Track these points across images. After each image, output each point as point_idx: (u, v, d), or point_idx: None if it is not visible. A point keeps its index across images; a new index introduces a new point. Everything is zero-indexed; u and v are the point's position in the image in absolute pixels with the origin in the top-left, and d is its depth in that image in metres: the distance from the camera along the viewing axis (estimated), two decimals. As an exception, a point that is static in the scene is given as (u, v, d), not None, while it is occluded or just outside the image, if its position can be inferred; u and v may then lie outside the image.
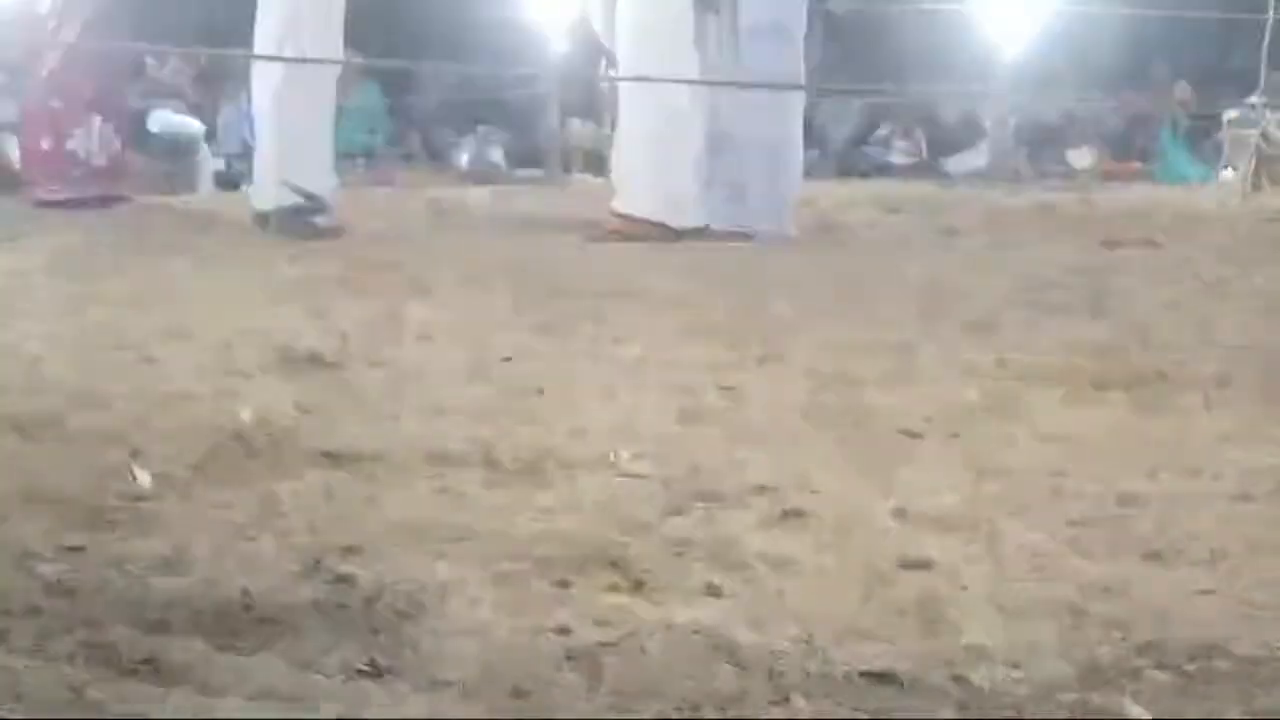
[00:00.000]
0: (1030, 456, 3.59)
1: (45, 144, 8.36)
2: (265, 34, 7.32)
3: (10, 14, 8.81)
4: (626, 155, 7.78)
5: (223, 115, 11.16)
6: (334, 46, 7.38)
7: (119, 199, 8.28)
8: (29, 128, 8.60)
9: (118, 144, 8.62)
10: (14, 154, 8.98)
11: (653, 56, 7.31)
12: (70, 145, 8.30)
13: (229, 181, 10.13)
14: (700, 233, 7.33)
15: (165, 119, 10.21)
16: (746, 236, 7.33)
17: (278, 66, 7.32)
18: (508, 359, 4.55)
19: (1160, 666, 2.29)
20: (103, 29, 8.03)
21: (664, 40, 7.34)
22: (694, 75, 7.29)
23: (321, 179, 7.44)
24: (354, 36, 7.78)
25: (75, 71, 8.27)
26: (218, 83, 11.39)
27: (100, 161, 8.42)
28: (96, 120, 8.44)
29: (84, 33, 8.01)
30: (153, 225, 7.66)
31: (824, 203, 8.90)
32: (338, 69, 7.71)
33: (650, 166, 7.47)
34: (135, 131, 9.53)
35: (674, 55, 7.31)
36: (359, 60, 9.18)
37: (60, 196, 8.07)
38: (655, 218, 7.34)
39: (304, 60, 7.17)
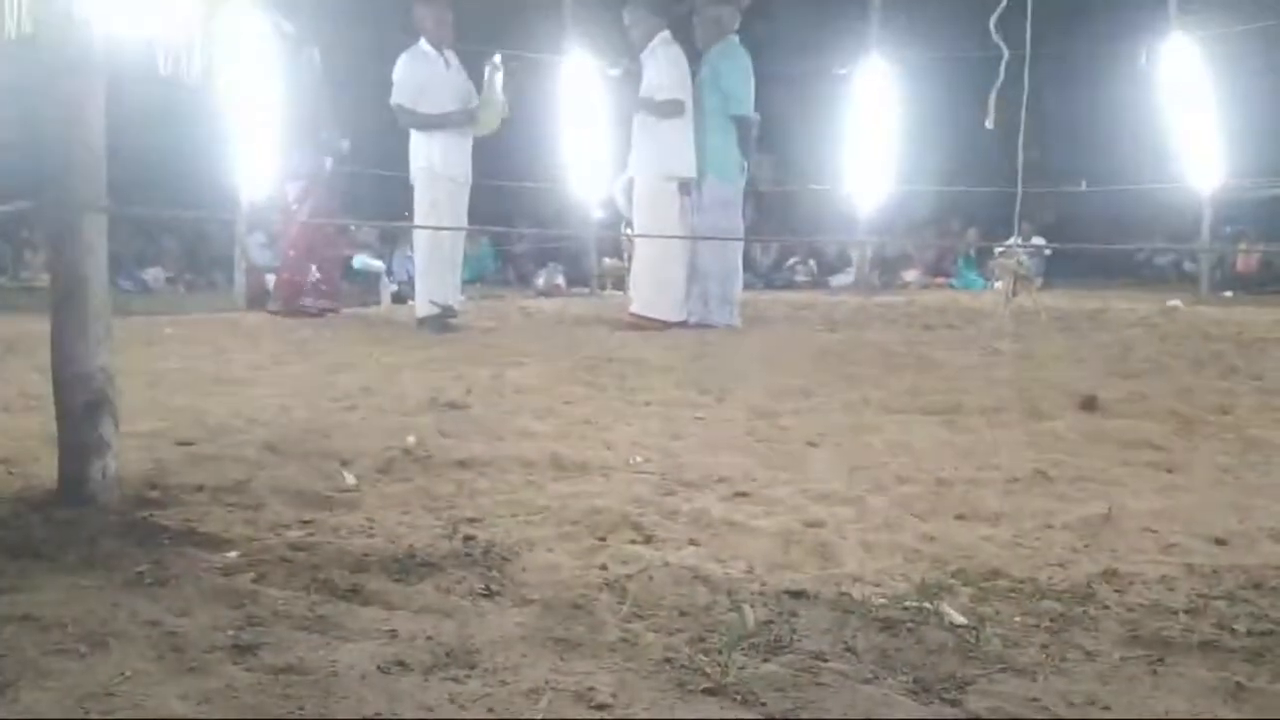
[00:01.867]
0: (883, 456, 3.85)
1: (295, 277, 9.57)
2: (420, 209, 8.45)
3: (269, 202, 9.82)
4: (637, 278, 9.18)
5: (395, 258, 12.48)
6: (461, 216, 8.48)
7: (333, 310, 9.53)
8: (283, 268, 9.72)
9: (336, 276, 9.87)
10: (268, 283, 10.15)
11: (652, 220, 8.78)
12: (311, 277, 9.54)
13: (400, 299, 11.07)
14: (682, 325, 8.64)
15: (362, 260, 11.32)
16: (710, 326, 8.58)
17: (427, 232, 8.51)
18: (567, 403, 4.88)
19: (965, 584, 2.49)
20: (325, 209, 9.35)
21: (659, 211, 8.80)
22: (678, 232, 8.70)
23: (454, 297, 8.69)
24: (475, 209, 8.77)
25: (312, 234, 9.49)
26: (392, 239, 12.83)
27: (326, 287, 9.66)
28: (325, 261, 9.61)
29: (315, 212, 9.27)
30: (353, 326, 8.75)
31: (757, 305, 10.05)
32: (464, 232, 8.94)
33: (652, 285, 8.89)
34: (344, 268, 10.79)
35: (665, 220, 8.76)
36: (478, 227, 10.69)
37: (304, 309, 9.23)
38: (655, 315, 8.73)
39: (444, 228, 8.28)
